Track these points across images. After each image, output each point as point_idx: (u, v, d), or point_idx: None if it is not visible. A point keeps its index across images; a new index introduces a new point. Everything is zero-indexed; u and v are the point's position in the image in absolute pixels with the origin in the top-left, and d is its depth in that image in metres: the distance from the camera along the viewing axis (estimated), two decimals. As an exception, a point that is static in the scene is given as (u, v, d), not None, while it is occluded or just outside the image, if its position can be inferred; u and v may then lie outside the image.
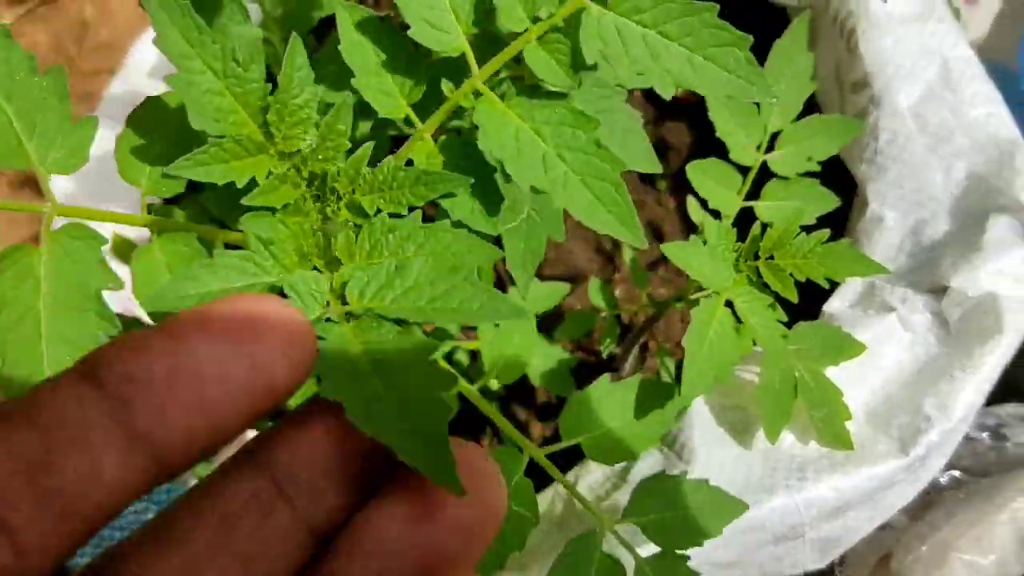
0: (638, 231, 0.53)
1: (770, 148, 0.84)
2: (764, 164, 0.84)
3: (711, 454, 0.84)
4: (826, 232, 0.81)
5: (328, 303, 0.49)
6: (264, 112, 0.52)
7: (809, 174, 0.85)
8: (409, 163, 0.57)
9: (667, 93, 0.51)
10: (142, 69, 1.10)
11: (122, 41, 1.97)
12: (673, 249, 0.74)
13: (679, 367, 0.97)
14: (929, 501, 1.01)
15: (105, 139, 1.00)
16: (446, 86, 0.56)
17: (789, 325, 0.84)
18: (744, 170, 0.84)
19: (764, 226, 0.81)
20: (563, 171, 0.54)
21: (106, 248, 0.58)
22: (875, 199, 0.97)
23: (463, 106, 0.55)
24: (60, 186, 1.06)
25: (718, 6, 0.51)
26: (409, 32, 0.55)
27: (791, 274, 0.80)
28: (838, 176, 1.01)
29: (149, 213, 0.61)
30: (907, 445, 0.82)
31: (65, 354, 0.54)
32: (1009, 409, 1.13)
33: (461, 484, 0.36)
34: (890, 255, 0.97)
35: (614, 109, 0.66)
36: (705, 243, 0.77)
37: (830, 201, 0.86)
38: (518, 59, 0.55)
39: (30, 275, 0.55)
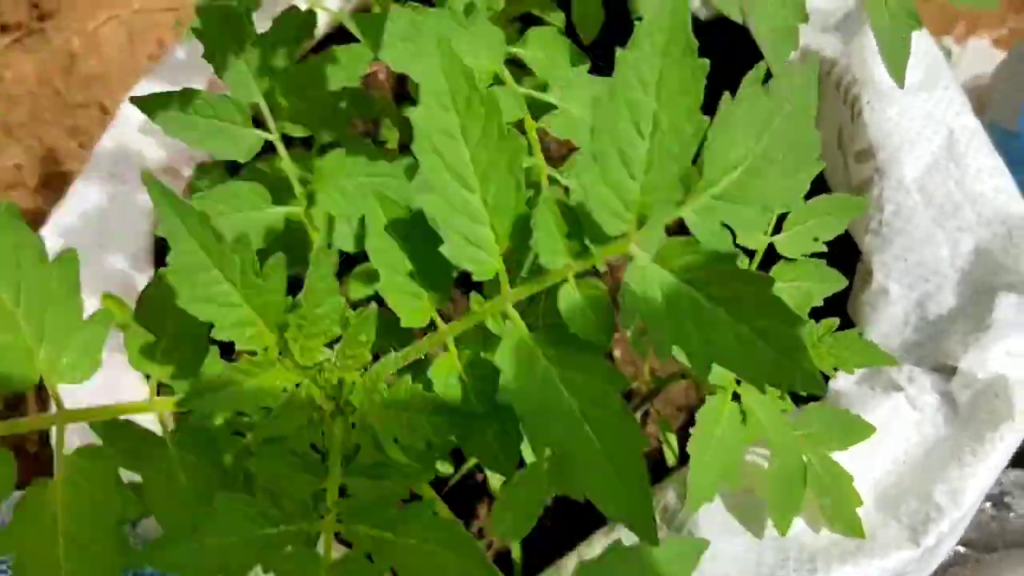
0: (652, 530, 0.50)
1: (777, 229, 0.83)
2: (771, 246, 0.82)
3: (720, 544, 0.82)
4: (835, 321, 0.80)
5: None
6: (283, 327, 0.50)
7: (816, 255, 0.84)
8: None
9: (698, 365, 0.48)
10: (133, 124, 1.07)
11: (110, 73, 1.95)
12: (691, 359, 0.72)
13: (682, 438, 0.96)
14: None
15: (94, 197, 0.98)
16: (475, 301, 0.54)
17: (795, 404, 0.83)
18: (751, 253, 0.82)
19: (772, 310, 0.79)
20: (584, 435, 0.50)
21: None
22: (880, 271, 0.96)
23: (491, 328, 0.53)
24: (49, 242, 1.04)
25: (774, 280, 0.48)
26: (442, 248, 0.52)
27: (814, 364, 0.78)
28: (842, 242, 1.00)
29: (158, 394, 0.58)
30: (918, 534, 0.81)
31: None
32: (1012, 476, 1.12)
33: None
34: (896, 328, 0.95)
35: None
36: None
37: (837, 281, 0.84)
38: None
39: (46, 512, 0.52)
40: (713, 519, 0.83)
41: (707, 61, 0.50)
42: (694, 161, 0.51)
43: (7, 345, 0.50)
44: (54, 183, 1.84)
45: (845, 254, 1.00)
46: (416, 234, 0.56)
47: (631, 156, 0.50)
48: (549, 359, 0.52)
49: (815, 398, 0.85)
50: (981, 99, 1.65)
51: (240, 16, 0.74)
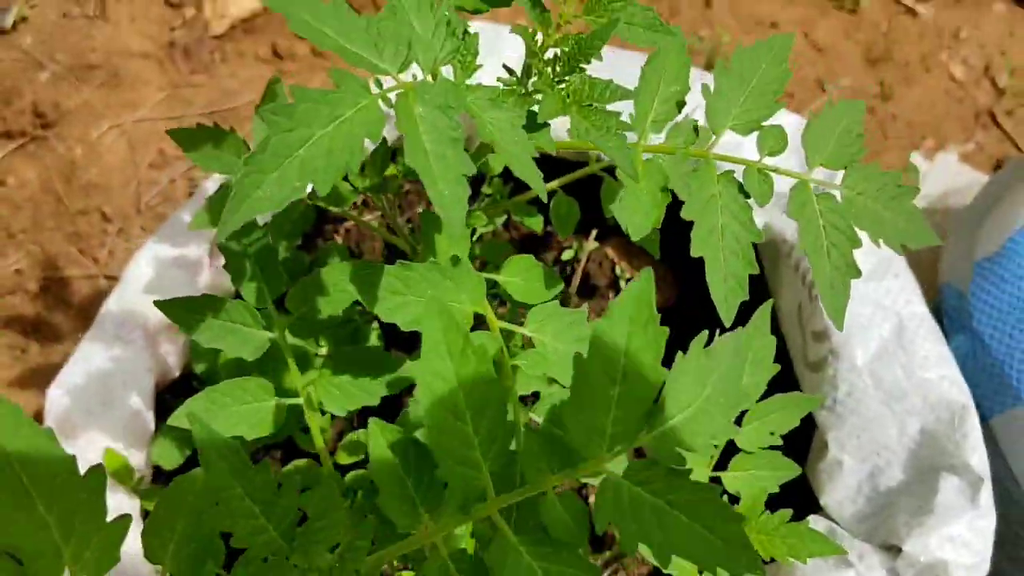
0: None
1: (737, 424, 0.90)
2: (730, 441, 0.90)
3: None
4: (789, 512, 0.87)
5: None
6: (292, 539, 0.57)
7: (773, 447, 0.91)
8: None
9: (663, 560, 0.57)
10: (136, 286, 1.14)
11: (111, 181, 2.02)
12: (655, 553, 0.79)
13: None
14: None
15: (100, 357, 1.04)
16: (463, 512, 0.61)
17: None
18: (712, 446, 0.89)
19: (732, 499, 0.86)
20: None
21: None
22: (834, 445, 1.03)
23: (476, 533, 0.60)
24: (56, 400, 1.10)
25: (720, 488, 0.56)
26: (437, 471, 0.60)
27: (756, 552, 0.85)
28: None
29: None
30: None
31: None
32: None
33: None
34: (849, 496, 1.03)
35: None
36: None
37: (792, 469, 0.92)
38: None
39: None
40: None
41: (666, 329, 0.59)
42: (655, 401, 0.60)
43: (38, 550, 0.58)
44: (54, 289, 1.91)
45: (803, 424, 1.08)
46: (412, 455, 0.64)
47: (604, 400, 0.59)
48: (532, 555, 0.60)
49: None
50: (948, 216, 1.74)
51: (253, 245, 0.82)
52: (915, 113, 2.23)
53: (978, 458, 0.97)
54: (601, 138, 0.70)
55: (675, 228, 0.83)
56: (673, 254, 0.96)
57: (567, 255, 1.29)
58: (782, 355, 1.15)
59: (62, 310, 1.90)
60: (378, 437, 0.66)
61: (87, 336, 1.13)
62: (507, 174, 1.07)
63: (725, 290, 0.75)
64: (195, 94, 2.13)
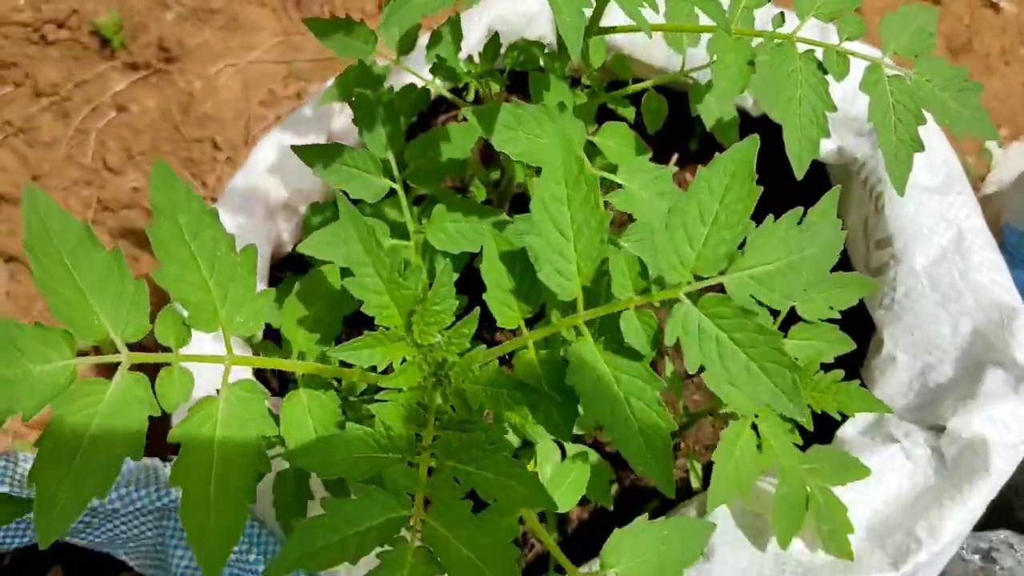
0: (671, 484, 0.68)
1: (799, 297, 0.99)
2: (792, 309, 0.99)
3: (729, 553, 0.97)
4: (840, 372, 0.96)
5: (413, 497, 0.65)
6: (411, 314, 0.69)
7: (831, 320, 1.00)
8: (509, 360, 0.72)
9: (718, 385, 0.66)
10: (262, 167, 1.27)
11: (223, 115, 2.18)
12: (712, 378, 0.89)
13: (706, 470, 1.11)
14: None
15: (225, 224, 1.18)
16: (555, 317, 0.72)
17: (805, 447, 0.98)
18: (775, 312, 0.99)
19: (790, 363, 0.95)
20: (626, 415, 0.69)
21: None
22: (890, 342, 1.11)
23: (564, 336, 0.71)
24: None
25: (779, 334, 0.66)
26: (539, 274, 0.70)
27: (809, 405, 0.94)
28: (860, 315, 1.16)
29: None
30: (899, 562, 0.95)
31: (227, 492, 0.67)
32: (1001, 535, 1.26)
33: None
34: (900, 391, 1.11)
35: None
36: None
37: (847, 344, 1.00)
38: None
39: (209, 422, 0.69)
40: (725, 533, 0.99)
41: (760, 188, 0.68)
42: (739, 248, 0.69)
43: (200, 303, 0.69)
44: (165, 207, 2.06)
45: (863, 326, 1.16)
46: (516, 264, 0.75)
47: (694, 235, 0.69)
48: (607, 361, 0.70)
49: (823, 440, 1.01)
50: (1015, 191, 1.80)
51: (380, 100, 0.94)
52: (992, 102, 2.28)
53: (1023, 354, 1.04)
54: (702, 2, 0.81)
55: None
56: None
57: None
58: (845, 263, 1.23)
59: (172, 227, 2.05)
60: (491, 245, 0.77)
61: (216, 205, 1.26)
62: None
63: (800, 149, 0.84)
64: (304, 41, 2.28)
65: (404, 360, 0.70)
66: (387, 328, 0.70)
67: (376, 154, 0.94)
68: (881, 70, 0.87)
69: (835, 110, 0.86)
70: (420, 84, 1.09)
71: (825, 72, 0.87)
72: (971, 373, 1.06)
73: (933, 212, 1.12)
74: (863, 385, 1.14)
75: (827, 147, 1.23)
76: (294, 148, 0.96)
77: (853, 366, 1.16)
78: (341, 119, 1.31)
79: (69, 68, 2.19)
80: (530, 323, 0.76)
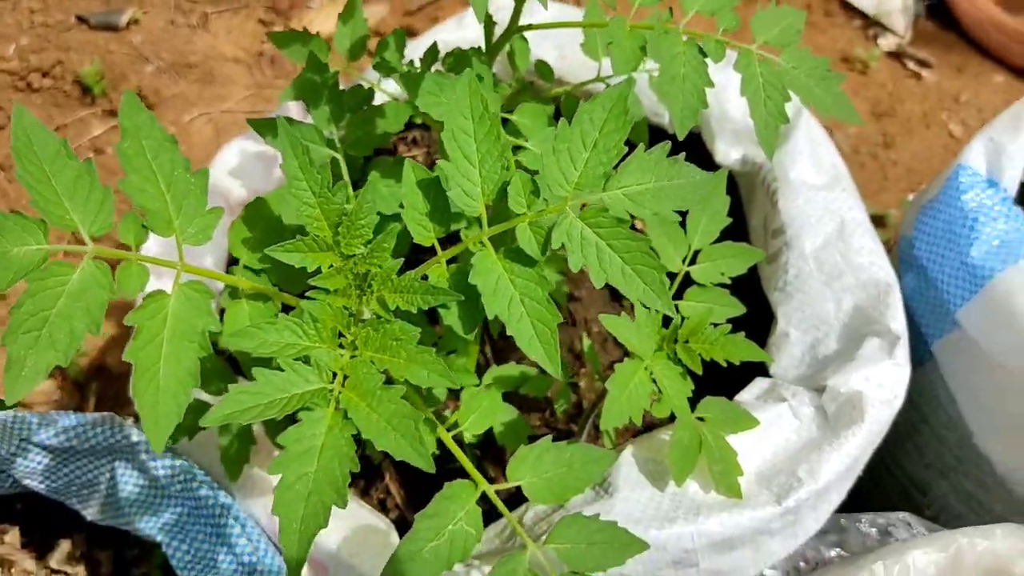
0: (557, 366, 0.80)
1: (693, 261, 1.12)
2: (687, 274, 1.12)
3: (631, 492, 1.08)
4: (728, 326, 1.08)
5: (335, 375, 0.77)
6: (338, 225, 0.81)
7: (723, 285, 1.13)
8: (425, 277, 0.85)
9: (599, 283, 0.79)
10: (224, 170, 1.40)
11: (195, 157, 2.32)
12: (609, 320, 1.01)
13: (618, 434, 1.22)
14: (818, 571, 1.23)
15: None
16: (464, 234, 0.84)
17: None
18: (672, 276, 1.11)
19: (684, 319, 1.08)
20: (520, 311, 0.82)
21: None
22: (783, 320, 1.24)
23: (470, 249, 0.84)
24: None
25: (650, 240, 0.79)
26: (448, 193, 0.84)
27: (700, 355, 1.06)
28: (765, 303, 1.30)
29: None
30: (782, 498, 1.06)
31: (174, 369, 0.78)
32: (900, 515, 1.36)
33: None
34: (793, 364, 1.23)
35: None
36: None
37: (737, 307, 1.13)
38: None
39: (161, 312, 0.80)
40: (629, 476, 1.09)
41: (632, 118, 0.82)
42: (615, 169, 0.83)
43: (157, 211, 0.81)
44: (136, 241, 2.19)
45: (767, 313, 1.29)
46: (431, 191, 0.87)
47: (576, 157, 0.82)
48: (505, 268, 0.82)
49: (717, 393, 1.12)
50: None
51: (325, 83, 1.08)
52: (914, 161, 2.47)
53: (897, 323, 1.17)
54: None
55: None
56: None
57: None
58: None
59: (141, 258, 2.16)
60: (410, 174, 0.90)
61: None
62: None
63: (682, 116, 0.99)
64: (274, 94, 2.44)
65: (331, 266, 0.82)
66: (317, 236, 0.82)
67: (320, 127, 1.08)
68: (752, 55, 1.02)
69: (712, 86, 1.01)
70: (367, 86, 1.24)
71: (705, 56, 1.02)
72: (853, 343, 1.19)
73: (820, 205, 1.27)
74: (764, 366, 1.27)
75: (733, 156, 1.38)
76: (250, 121, 1.10)
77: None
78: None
79: (51, 113, 2.33)
80: (445, 244, 0.89)
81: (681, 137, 0.98)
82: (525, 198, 0.83)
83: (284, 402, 0.75)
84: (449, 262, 0.87)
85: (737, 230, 1.40)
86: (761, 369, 1.26)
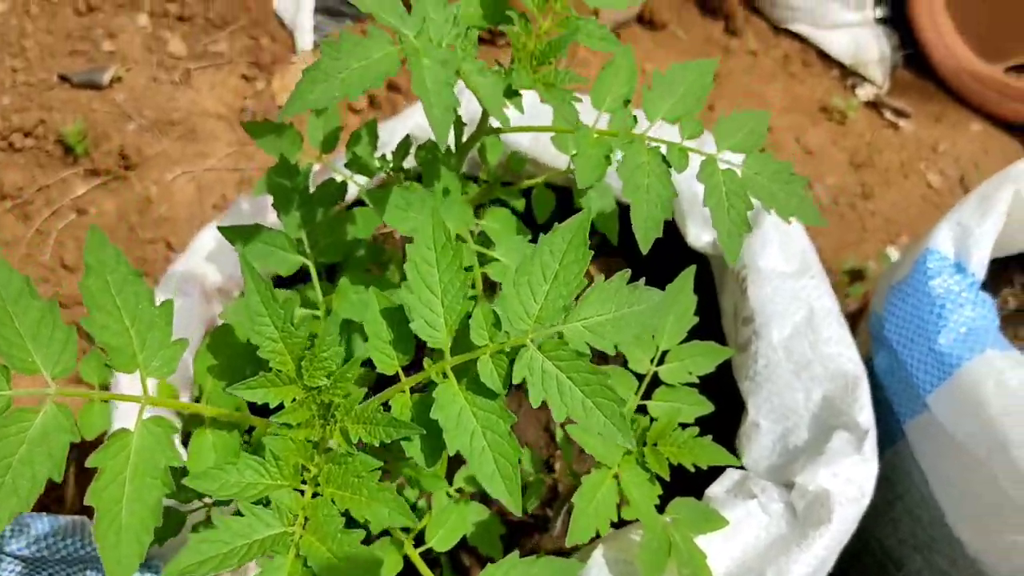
0: (518, 503, 0.80)
1: (661, 362, 1.13)
2: (656, 374, 1.13)
3: (602, 593, 1.08)
4: (696, 429, 1.09)
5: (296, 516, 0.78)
6: (301, 359, 0.82)
7: (691, 384, 1.14)
8: (388, 406, 0.86)
9: (559, 417, 0.80)
10: (201, 253, 1.41)
11: (178, 217, 2.33)
12: (575, 431, 1.02)
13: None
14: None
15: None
16: (427, 363, 0.85)
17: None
18: (640, 377, 1.12)
19: (652, 420, 1.09)
20: (482, 445, 0.82)
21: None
22: (753, 409, 1.25)
23: (433, 379, 0.84)
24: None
25: (610, 375, 0.80)
26: (411, 325, 0.84)
27: (668, 459, 1.07)
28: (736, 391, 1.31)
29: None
30: (750, 600, 1.07)
31: (136, 509, 0.78)
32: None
33: None
34: (764, 454, 1.24)
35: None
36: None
37: (705, 406, 1.14)
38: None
39: (124, 451, 0.80)
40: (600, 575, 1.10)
41: (591, 252, 0.83)
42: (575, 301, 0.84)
43: (121, 348, 0.82)
44: (118, 303, 2.20)
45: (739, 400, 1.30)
46: (395, 319, 0.88)
47: (537, 290, 0.83)
48: (467, 400, 0.83)
49: (687, 493, 1.13)
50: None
51: (296, 188, 1.09)
52: (892, 212, 2.49)
53: (865, 416, 1.18)
54: (558, 103, 0.97)
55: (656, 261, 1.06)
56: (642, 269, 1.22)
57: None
58: (721, 341, 1.38)
59: (123, 321, 2.17)
60: (374, 303, 0.91)
61: (156, 289, 1.39)
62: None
63: (646, 228, 1.00)
64: (256, 151, 2.45)
65: (295, 400, 0.83)
66: (280, 371, 0.83)
67: (290, 233, 1.09)
68: (715, 164, 1.03)
69: (676, 195, 1.02)
70: (339, 179, 1.25)
71: (669, 165, 1.03)
72: (822, 435, 1.20)
73: (789, 293, 1.28)
74: (735, 452, 1.28)
75: (704, 239, 1.40)
76: (220, 228, 1.11)
77: (730, 437, 1.30)
78: (274, 212, 1.46)
79: (33, 173, 2.34)
80: (408, 371, 0.89)
81: (645, 251, 0.99)
82: (487, 330, 0.83)
83: (244, 550, 0.76)
84: (414, 389, 0.88)
85: (711, 312, 1.41)
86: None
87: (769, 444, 1.24)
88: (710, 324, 1.40)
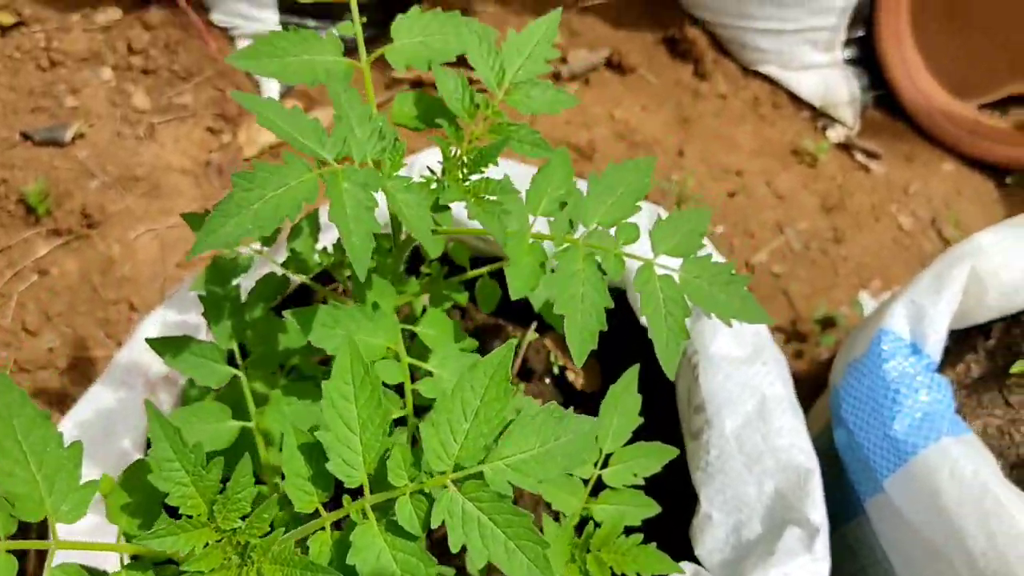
0: None
1: (605, 465, 1.11)
2: (600, 477, 1.10)
3: None
4: (640, 536, 1.07)
5: None
6: (213, 502, 0.79)
7: (636, 486, 1.11)
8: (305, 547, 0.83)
9: (480, 562, 0.77)
10: (144, 344, 1.38)
11: (141, 277, 2.30)
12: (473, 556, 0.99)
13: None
14: None
15: (107, 398, 1.26)
16: (346, 501, 0.83)
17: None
18: (585, 481, 1.10)
19: (597, 526, 1.06)
20: None
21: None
22: (706, 501, 1.23)
23: (352, 519, 0.82)
24: (67, 431, 1.33)
25: (531, 516, 0.78)
26: (327, 465, 0.82)
27: (611, 567, 1.05)
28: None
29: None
30: None
31: None
32: None
33: None
34: (718, 547, 1.22)
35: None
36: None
37: (652, 507, 1.11)
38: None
39: None
40: None
41: (512, 388, 0.81)
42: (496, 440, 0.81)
43: (27, 495, 0.79)
44: (80, 367, 2.16)
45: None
46: (314, 454, 0.86)
47: (457, 429, 0.81)
48: (387, 541, 0.81)
49: None
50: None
51: (227, 296, 1.07)
52: (864, 256, 2.47)
53: (817, 513, 1.16)
54: (487, 219, 0.95)
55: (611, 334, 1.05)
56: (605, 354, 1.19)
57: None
58: (676, 427, 1.35)
59: (85, 385, 2.14)
60: (291, 438, 0.88)
61: (99, 380, 1.37)
62: (444, 260, 1.31)
63: (580, 340, 0.97)
64: (223, 206, 2.42)
65: (207, 544, 0.81)
66: (191, 516, 0.80)
67: (221, 344, 1.07)
68: (651, 270, 1.01)
69: (612, 305, 0.99)
70: (281, 272, 1.22)
71: (604, 272, 1.01)
72: (775, 529, 1.18)
73: (740, 380, 1.26)
74: (690, 544, 1.25)
75: (658, 320, 1.37)
76: (147, 340, 1.08)
77: (686, 527, 1.27)
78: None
79: (-6, 235, 2.31)
80: (331, 505, 0.87)
81: (580, 365, 0.96)
82: (406, 470, 0.81)
83: None
84: (339, 524, 0.85)
85: (669, 395, 1.39)
86: (687, 551, 1.24)
87: (722, 536, 1.21)
88: (672, 408, 1.38)
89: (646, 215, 1.37)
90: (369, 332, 0.97)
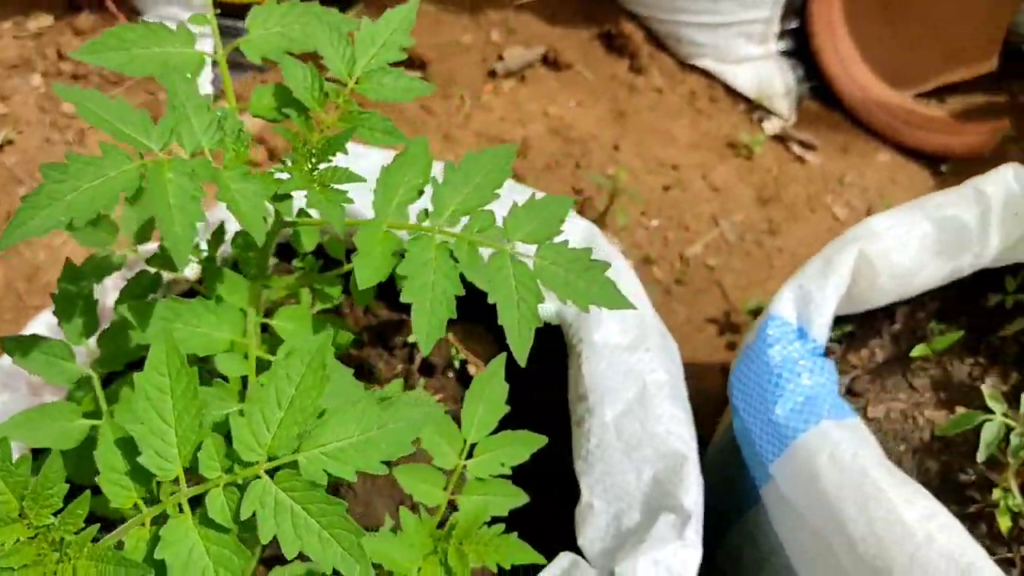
0: None
1: (470, 455, 1.10)
2: (465, 467, 1.09)
3: None
4: (501, 527, 1.06)
5: None
6: (23, 498, 0.78)
7: (504, 476, 1.10)
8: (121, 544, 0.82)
9: (291, 552, 0.76)
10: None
11: (67, 282, 2.28)
12: (370, 542, 0.98)
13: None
14: None
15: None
16: (163, 496, 0.82)
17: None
18: (449, 472, 1.09)
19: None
20: None
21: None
22: (587, 490, 1.22)
23: (168, 512, 0.81)
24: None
25: (345, 504, 0.77)
26: (139, 459, 0.81)
27: (473, 559, 1.03)
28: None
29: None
30: None
31: None
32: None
33: None
34: (599, 536, 1.20)
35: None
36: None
37: (519, 497, 1.10)
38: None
39: None
40: None
41: (328, 375, 0.80)
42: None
43: None
44: (5, 374, 2.15)
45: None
46: (131, 448, 0.84)
47: (271, 419, 0.80)
48: (201, 535, 0.80)
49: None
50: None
51: (81, 294, 1.06)
52: (799, 248, 2.47)
53: (691, 500, 1.15)
54: (326, 208, 0.94)
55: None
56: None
57: (412, 338, 1.51)
58: (565, 420, 1.34)
59: (10, 392, 2.12)
60: (107, 434, 0.87)
61: (-15, 382, 1.35)
62: (318, 253, 1.30)
63: (428, 328, 0.96)
64: (153, 210, 2.41)
65: (18, 540, 0.79)
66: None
67: (71, 342, 1.06)
68: (505, 257, 1.00)
69: (463, 293, 0.98)
70: (153, 271, 1.21)
71: (457, 261, 1.00)
72: (652, 517, 1.17)
73: (622, 368, 1.25)
74: (574, 534, 1.24)
75: (549, 310, 1.37)
76: (2, 339, 1.07)
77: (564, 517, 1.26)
78: (111, 296, 1.42)
79: (-81, 243, 2.29)
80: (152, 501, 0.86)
81: (427, 353, 0.95)
82: (219, 461, 0.80)
83: None
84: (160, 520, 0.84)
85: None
86: (570, 540, 1.23)
87: (603, 525, 1.20)
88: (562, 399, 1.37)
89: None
90: (212, 326, 0.96)
